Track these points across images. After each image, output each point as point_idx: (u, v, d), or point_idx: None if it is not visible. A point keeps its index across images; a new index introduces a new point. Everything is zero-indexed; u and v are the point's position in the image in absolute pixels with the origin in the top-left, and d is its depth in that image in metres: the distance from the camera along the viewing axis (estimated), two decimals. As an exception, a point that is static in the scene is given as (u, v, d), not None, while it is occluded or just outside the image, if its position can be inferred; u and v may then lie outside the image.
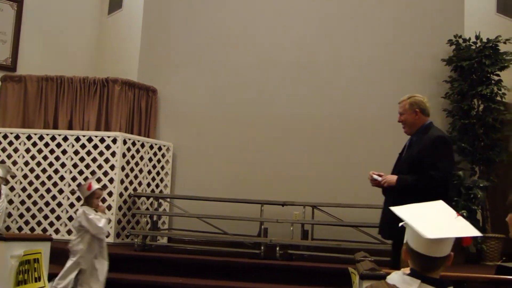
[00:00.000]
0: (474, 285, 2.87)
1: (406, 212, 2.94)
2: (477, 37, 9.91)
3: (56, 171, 9.56)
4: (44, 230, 9.39)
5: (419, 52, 10.17)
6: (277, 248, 8.33)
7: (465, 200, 9.00)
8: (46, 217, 9.48)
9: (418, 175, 5.06)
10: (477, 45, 9.89)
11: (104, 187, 9.38)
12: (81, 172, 9.48)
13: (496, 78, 9.81)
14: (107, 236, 7.27)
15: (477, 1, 10.58)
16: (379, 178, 5.30)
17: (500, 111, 9.64)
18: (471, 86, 9.74)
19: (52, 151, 9.60)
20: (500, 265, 3.88)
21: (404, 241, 3.18)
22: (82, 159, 9.53)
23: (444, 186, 5.08)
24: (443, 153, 5.18)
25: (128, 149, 9.67)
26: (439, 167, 5.04)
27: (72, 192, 9.45)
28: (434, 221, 2.84)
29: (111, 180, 9.41)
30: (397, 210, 2.93)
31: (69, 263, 6.31)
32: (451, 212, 2.86)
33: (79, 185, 7.16)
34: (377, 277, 2.86)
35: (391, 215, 4.90)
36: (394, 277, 2.87)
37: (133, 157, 9.76)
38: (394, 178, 5.18)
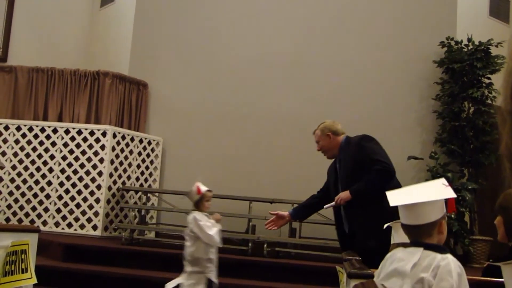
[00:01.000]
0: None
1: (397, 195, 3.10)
2: (469, 40, 9.94)
3: (45, 163, 9.53)
4: (32, 221, 9.37)
5: (411, 53, 10.20)
6: (265, 245, 8.35)
7: (453, 202, 9.02)
8: (34, 208, 9.46)
9: (366, 177, 5.11)
10: (469, 48, 9.93)
11: (93, 180, 9.38)
12: (70, 165, 9.46)
13: (487, 81, 9.84)
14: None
15: (469, 4, 10.62)
16: (332, 204, 5.37)
17: (490, 114, 9.65)
18: (462, 89, 9.77)
19: (41, 143, 9.57)
20: (490, 264, 3.90)
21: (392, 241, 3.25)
22: (71, 152, 9.50)
23: (392, 175, 5.16)
24: (374, 147, 5.27)
25: (118, 143, 9.65)
26: (379, 159, 5.13)
27: (61, 184, 9.43)
28: (410, 193, 3.01)
29: (100, 173, 9.40)
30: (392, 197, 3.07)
31: (191, 273, 5.96)
32: (437, 183, 2.99)
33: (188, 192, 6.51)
34: (365, 276, 2.86)
35: (370, 226, 4.97)
36: (395, 252, 2.98)
37: (122, 150, 9.74)
38: (346, 192, 5.20)
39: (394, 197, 3.04)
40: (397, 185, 5.06)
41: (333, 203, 5.35)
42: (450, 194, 2.87)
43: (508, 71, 0.90)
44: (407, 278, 2.81)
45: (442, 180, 3.00)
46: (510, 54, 0.91)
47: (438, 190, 2.91)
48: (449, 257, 2.84)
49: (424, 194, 2.92)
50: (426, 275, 2.78)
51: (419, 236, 2.93)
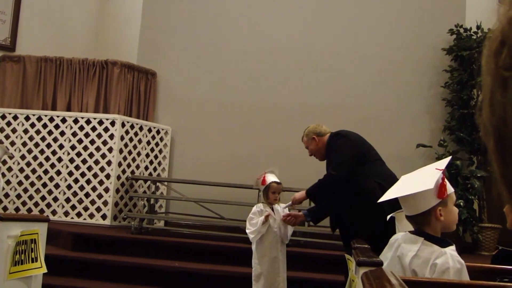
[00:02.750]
0: (470, 275, 2.90)
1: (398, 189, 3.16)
2: (478, 27, 9.90)
3: (54, 153, 9.55)
4: (41, 211, 9.40)
5: (420, 41, 10.16)
6: (274, 234, 8.34)
7: (462, 190, 9.01)
8: (43, 198, 9.48)
9: (320, 179, 5.26)
10: (478, 35, 9.88)
11: (102, 169, 9.39)
12: (79, 154, 9.47)
13: (496, 68, 9.78)
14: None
15: (479, -10, 10.57)
16: (289, 203, 5.47)
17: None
18: (471, 76, 9.73)
19: (50, 132, 9.58)
20: (503, 249, 3.91)
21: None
22: (80, 141, 9.51)
23: (336, 184, 5.16)
24: (338, 147, 5.30)
25: (127, 132, 9.66)
26: (333, 162, 5.23)
27: (70, 174, 9.46)
28: (401, 185, 3.06)
29: (109, 163, 9.40)
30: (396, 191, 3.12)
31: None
32: (430, 170, 3.02)
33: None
34: (374, 264, 2.86)
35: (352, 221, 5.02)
36: (401, 237, 3.03)
37: (131, 140, 9.75)
38: (302, 192, 5.38)
39: (387, 193, 3.11)
40: (385, 178, 4.95)
41: (290, 203, 5.45)
42: (431, 184, 2.85)
43: (484, 87, 0.87)
44: (407, 271, 2.87)
45: (438, 164, 3.01)
46: (485, 69, 0.86)
47: (426, 180, 2.91)
48: (448, 252, 2.85)
49: (410, 187, 2.95)
50: (424, 272, 2.81)
51: (419, 225, 2.98)
